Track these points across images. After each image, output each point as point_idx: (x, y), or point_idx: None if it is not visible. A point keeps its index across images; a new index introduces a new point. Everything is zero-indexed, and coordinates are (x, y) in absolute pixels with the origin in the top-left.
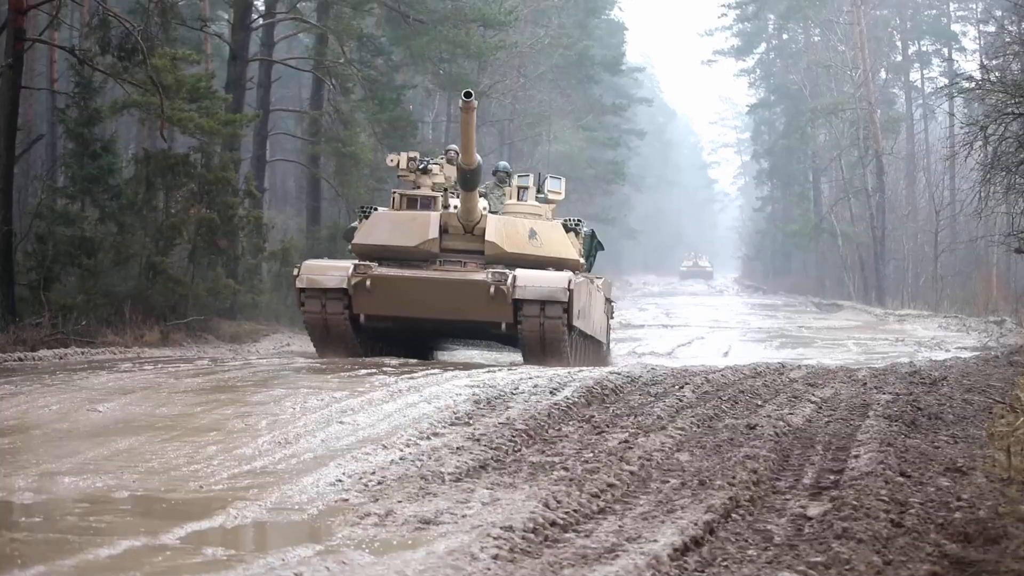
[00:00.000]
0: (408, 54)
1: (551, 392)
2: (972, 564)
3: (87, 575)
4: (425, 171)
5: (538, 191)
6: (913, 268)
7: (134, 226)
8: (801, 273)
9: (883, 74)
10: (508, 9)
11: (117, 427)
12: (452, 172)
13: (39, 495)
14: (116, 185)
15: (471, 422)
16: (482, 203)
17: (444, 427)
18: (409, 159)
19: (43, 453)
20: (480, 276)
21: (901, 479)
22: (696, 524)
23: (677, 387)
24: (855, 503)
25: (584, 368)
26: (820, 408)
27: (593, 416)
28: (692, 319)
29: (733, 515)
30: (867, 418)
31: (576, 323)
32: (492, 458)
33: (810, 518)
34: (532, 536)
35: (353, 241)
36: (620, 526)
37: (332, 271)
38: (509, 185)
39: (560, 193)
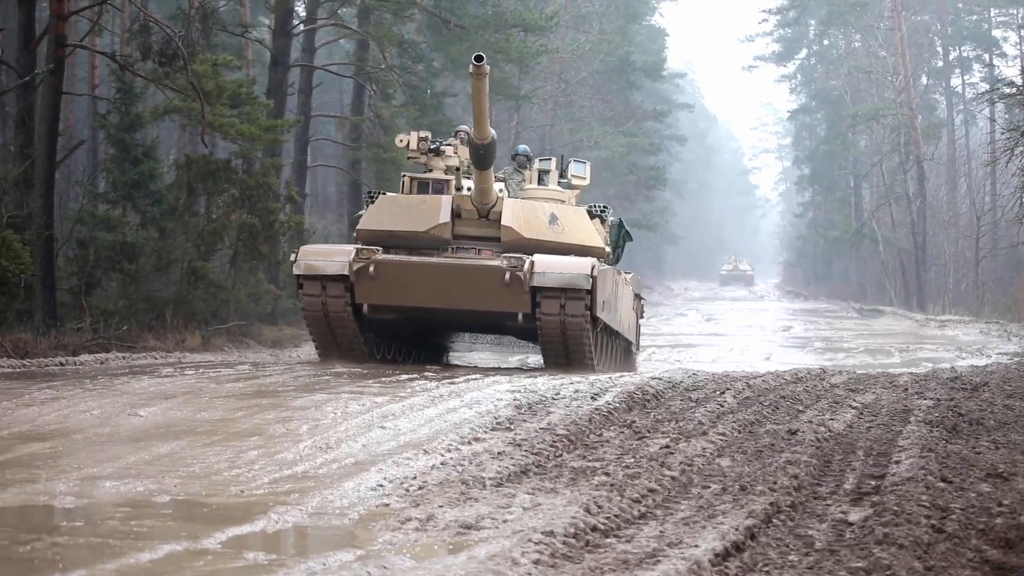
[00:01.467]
0: (448, 60)
1: (592, 397)
2: (1013, 570)
3: None
4: (437, 152)
5: (560, 176)
6: (954, 274)
7: (175, 231)
8: (842, 279)
9: (924, 79)
10: (549, 14)
11: (158, 432)
12: (466, 154)
13: (80, 499)
14: (157, 190)
15: (512, 427)
16: (499, 186)
17: (485, 432)
18: (420, 139)
19: (84, 457)
20: (494, 262)
21: (942, 485)
22: (737, 529)
23: (718, 392)
24: (896, 508)
25: (624, 373)
26: (861, 413)
27: (634, 421)
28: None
29: (774, 520)
30: (908, 423)
31: (600, 315)
32: (533, 463)
33: (851, 523)
34: (573, 541)
35: (358, 227)
36: (661, 531)
37: (333, 256)
38: (529, 170)
39: (585, 178)
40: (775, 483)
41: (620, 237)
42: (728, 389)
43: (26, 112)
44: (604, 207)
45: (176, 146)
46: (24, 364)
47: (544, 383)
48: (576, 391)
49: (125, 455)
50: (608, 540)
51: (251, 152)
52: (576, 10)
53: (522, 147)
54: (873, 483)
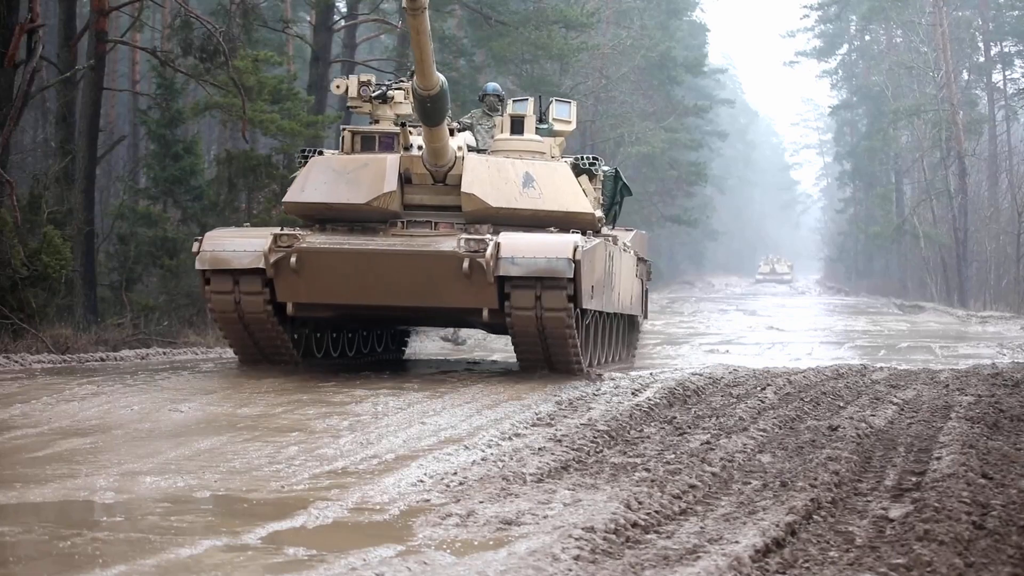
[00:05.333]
0: (490, 55)
1: (633, 393)
2: None
3: (168, 575)
4: (384, 99)
5: (540, 121)
6: (995, 270)
7: (216, 227)
8: (883, 275)
9: (965, 75)
10: (590, 11)
11: (198, 427)
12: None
13: (120, 494)
14: (198, 186)
15: (553, 423)
16: (461, 140)
17: (526, 428)
18: (361, 84)
19: (125, 453)
20: (448, 246)
21: (983, 481)
22: (778, 525)
23: (759, 388)
24: (937, 505)
25: (665, 369)
26: (902, 410)
27: (675, 417)
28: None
29: (815, 516)
30: (949, 420)
31: (590, 304)
32: (574, 459)
33: (892, 520)
34: (613, 537)
35: (284, 198)
36: (702, 527)
37: (246, 243)
38: (501, 114)
39: (570, 122)
40: (816, 479)
41: (616, 192)
42: (769, 385)
43: (67, 108)
44: (594, 158)
45: (217, 142)
46: (65, 359)
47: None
48: (616, 387)
49: (165, 451)
50: (648, 536)
51: (292, 148)
52: (617, 6)
53: (492, 85)
54: (914, 479)
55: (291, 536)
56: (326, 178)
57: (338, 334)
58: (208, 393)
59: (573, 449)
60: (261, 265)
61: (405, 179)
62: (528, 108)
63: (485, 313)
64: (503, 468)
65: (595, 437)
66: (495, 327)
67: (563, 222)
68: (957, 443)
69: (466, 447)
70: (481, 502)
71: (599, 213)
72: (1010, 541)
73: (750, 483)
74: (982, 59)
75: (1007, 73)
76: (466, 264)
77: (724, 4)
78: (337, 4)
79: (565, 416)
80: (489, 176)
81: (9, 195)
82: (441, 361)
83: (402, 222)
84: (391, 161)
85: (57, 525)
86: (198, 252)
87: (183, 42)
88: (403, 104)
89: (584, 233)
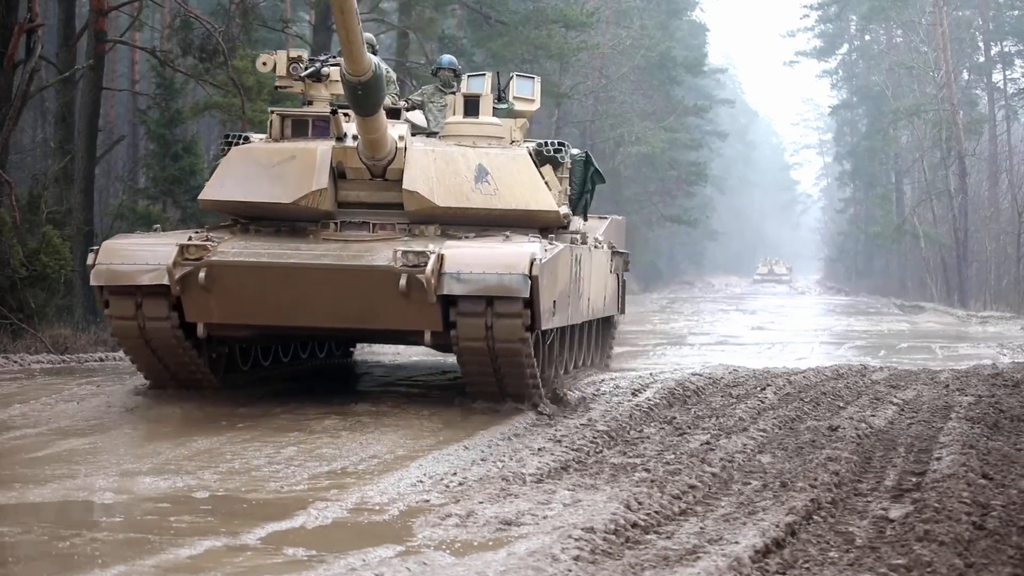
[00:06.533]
0: (490, 55)
1: (633, 393)
2: None
3: (168, 575)
4: (318, 77)
5: (499, 100)
6: (995, 270)
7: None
8: (883, 275)
9: (965, 75)
10: (590, 10)
11: (198, 427)
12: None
13: (120, 495)
14: (197, 186)
15: (552, 423)
16: (403, 130)
17: (525, 428)
18: (291, 60)
19: (124, 453)
20: (382, 258)
21: (983, 481)
22: (778, 526)
23: (759, 389)
24: (937, 505)
25: (665, 370)
26: (902, 410)
27: (675, 417)
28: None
29: (815, 517)
30: (949, 420)
31: (551, 323)
32: (573, 459)
33: (892, 520)
34: (613, 537)
35: (200, 195)
36: (701, 528)
37: (146, 256)
38: (456, 91)
39: (533, 100)
40: (816, 479)
41: (587, 179)
42: (769, 385)
43: (66, 108)
44: (560, 144)
45: (216, 142)
46: (64, 360)
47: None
48: (616, 387)
49: (164, 451)
50: (648, 536)
51: None
52: (617, 5)
53: (447, 58)
54: (914, 480)
55: (290, 536)
56: (247, 172)
57: (267, 349)
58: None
59: (573, 449)
60: (165, 281)
61: (339, 173)
62: (485, 86)
63: (427, 336)
64: (503, 468)
65: (595, 437)
66: (444, 347)
67: (522, 221)
68: (957, 443)
69: (466, 447)
70: (481, 502)
71: (564, 210)
72: (1010, 541)
73: (750, 483)
74: (982, 59)
75: (1007, 73)
76: (403, 281)
77: (724, 4)
78: None
79: (565, 416)
80: (435, 170)
81: (8, 195)
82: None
83: (335, 223)
84: (321, 153)
85: (56, 525)
86: (93, 265)
87: (183, 42)
88: (340, 83)
89: (547, 233)
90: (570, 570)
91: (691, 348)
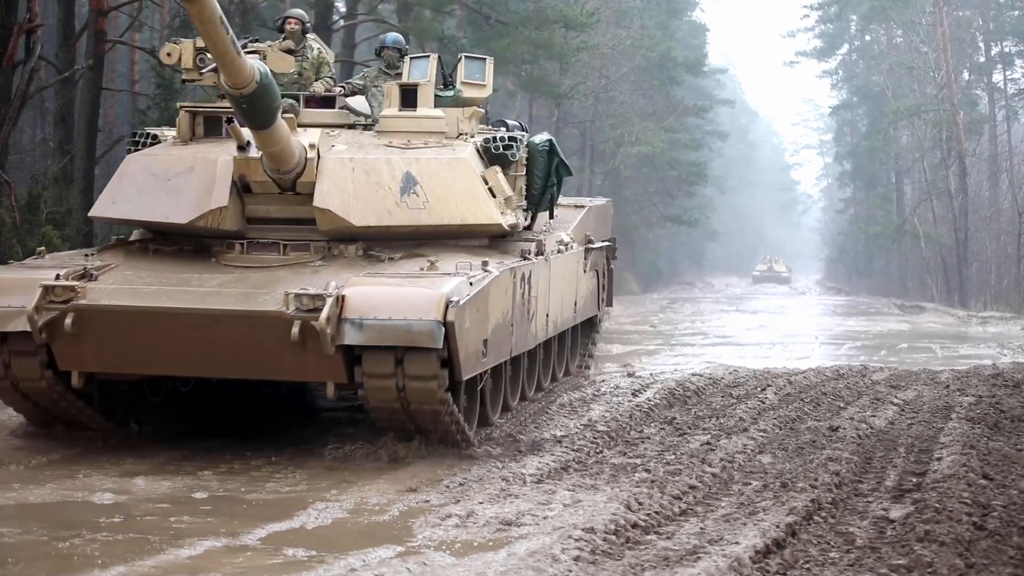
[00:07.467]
0: (489, 55)
1: (633, 394)
2: None
3: (168, 575)
4: None
5: (445, 86)
6: (996, 270)
7: None
8: (883, 275)
9: (966, 75)
10: (590, 10)
11: (197, 427)
12: (288, 63)
13: (119, 495)
14: None
15: (552, 423)
16: (313, 137)
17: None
18: (197, 50)
19: (123, 453)
20: (271, 304)
21: (984, 482)
22: (778, 526)
23: (759, 389)
24: (937, 506)
25: (665, 370)
26: (903, 410)
27: (675, 418)
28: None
29: (815, 517)
30: (950, 420)
31: (479, 367)
32: (574, 459)
33: (892, 520)
34: (613, 538)
35: (91, 212)
36: (702, 528)
37: (8, 298)
38: (401, 73)
39: (484, 85)
40: (816, 480)
41: (551, 171)
42: (769, 386)
43: (66, 108)
44: (512, 138)
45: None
46: None
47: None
48: (616, 387)
49: (164, 451)
50: (649, 537)
51: None
52: (617, 6)
53: (392, 36)
54: (914, 480)
55: (290, 537)
56: (142, 184)
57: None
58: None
59: (573, 450)
60: (26, 328)
61: (243, 186)
62: (428, 70)
63: (331, 389)
64: (502, 469)
65: (595, 438)
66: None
67: (458, 236)
68: (958, 444)
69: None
70: (481, 503)
71: (510, 219)
72: (1011, 542)
73: (750, 484)
74: (982, 59)
75: (1007, 73)
76: (296, 330)
77: (724, 4)
78: (336, 4)
79: (565, 417)
80: (353, 183)
81: (8, 195)
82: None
83: (241, 243)
84: (223, 165)
85: (56, 526)
86: None
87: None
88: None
89: (495, 241)
90: (570, 570)
91: (691, 348)
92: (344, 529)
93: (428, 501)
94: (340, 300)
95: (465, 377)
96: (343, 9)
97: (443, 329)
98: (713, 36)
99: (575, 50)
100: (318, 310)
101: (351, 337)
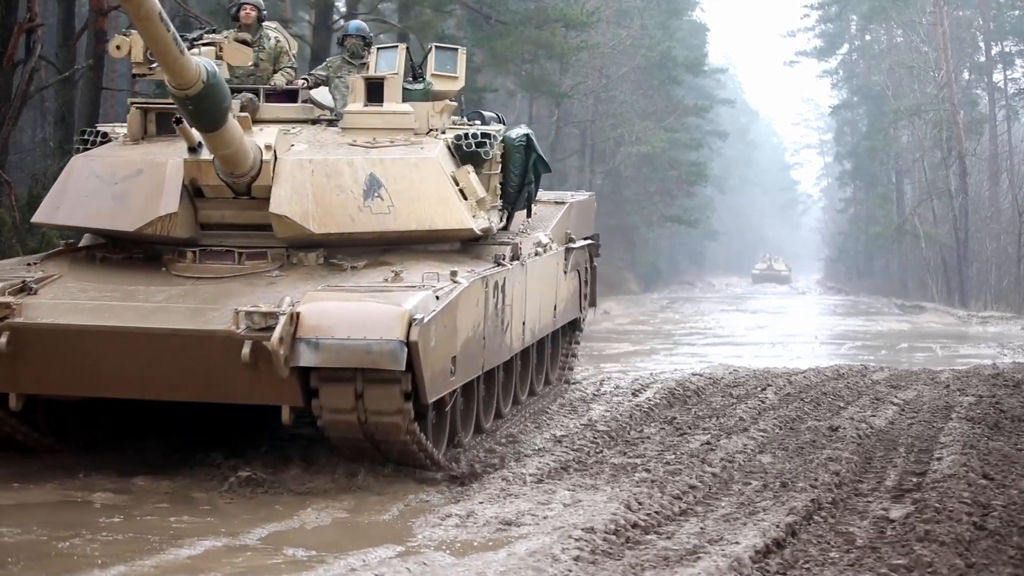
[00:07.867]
0: (490, 55)
1: (633, 394)
2: None
3: (168, 575)
4: None
5: (415, 78)
6: (996, 270)
7: None
8: (884, 275)
9: (966, 75)
10: (590, 10)
11: (198, 426)
12: (246, 57)
13: (119, 495)
14: None
15: (552, 423)
16: (270, 137)
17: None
18: None
19: (122, 453)
20: (220, 324)
21: (984, 481)
22: (778, 526)
23: (759, 389)
24: (937, 505)
25: (665, 370)
26: (903, 410)
27: (675, 417)
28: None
29: (815, 517)
30: (950, 420)
31: (447, 387)
32: (574, 459)
33: (892, 520)
34: (613, 538)
35: (35, 217)
36: (702, 528)
37: None
38: (366, 64)
39: (456, 77)
40: (816, 480)
41: (528, 168)
42: (769, 385)
43: (66, 108)
44: (485, 134)
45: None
46: None
47: (584, 379)
48: (616, 387)
49: (162, 451)
50: (649, 537)
51: None
52: (617, 5)
53: (355, 23)
54: (915, 480)
55: (290, 537)
56: (87, 188)
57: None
58: None
59: (573, 449)
60: None
61: (194, 191)
62: (396, 62)
63: (286, 414)
64: (503, 468)
65: (595, 437)
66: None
67: (426, 241)
68: (958, 444)
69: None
70: (481, 503)
71: (483, 223)
72: (1011, 542)
73: (750, 484)
74: (983, 59)
75: (1008, 73)
76: (246, 350)
77: (724, 4)
78: (337, 4)
79: (564, 416)
80: (312, 186)
81: (8, 195)
82: None
83: (194, 252)
84: (172, 168)
85: (56, 526)
86: None
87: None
88: (219, 65)
89: (467, 246)
90: (570, 570)
91: (691, 348)
92: (344, 529)
93: (428, 501)
94: (295, 318)
95: (431, 399)
96: (343, 9)
97: (406, 349)
98: (713, 36)
99: (575, 50)
100: (270, 328)
101: (306, 358)
